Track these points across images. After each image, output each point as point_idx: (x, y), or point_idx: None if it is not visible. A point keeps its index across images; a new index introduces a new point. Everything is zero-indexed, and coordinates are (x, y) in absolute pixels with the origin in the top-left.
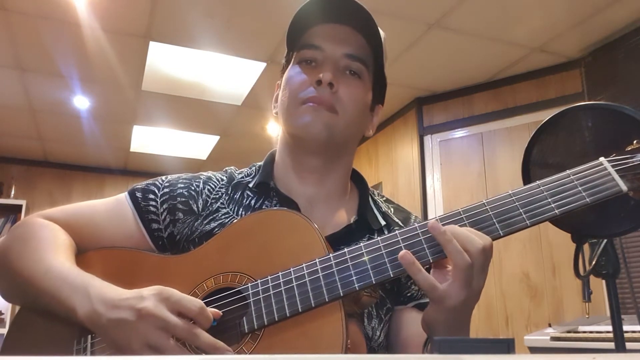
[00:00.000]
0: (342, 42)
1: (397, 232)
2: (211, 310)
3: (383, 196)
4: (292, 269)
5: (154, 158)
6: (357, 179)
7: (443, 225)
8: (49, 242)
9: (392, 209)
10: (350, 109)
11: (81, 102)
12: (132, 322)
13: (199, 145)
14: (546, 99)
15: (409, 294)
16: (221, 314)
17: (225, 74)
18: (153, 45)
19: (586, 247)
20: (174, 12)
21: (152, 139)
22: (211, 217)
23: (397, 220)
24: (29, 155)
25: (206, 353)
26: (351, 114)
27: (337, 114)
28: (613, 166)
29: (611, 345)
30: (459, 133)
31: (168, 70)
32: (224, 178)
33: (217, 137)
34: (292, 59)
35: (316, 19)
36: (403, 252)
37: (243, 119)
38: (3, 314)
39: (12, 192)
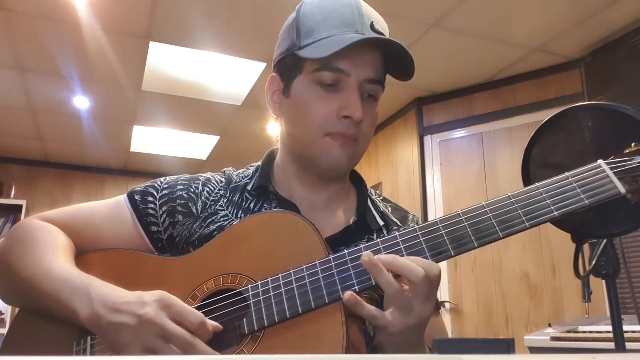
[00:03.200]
0: (366, 66)
1: (396, 234)
2: (211, 324)
3: (380, 195)
4: (292, 271)
5: (154, 158)
6: (355, 179)
7: (443, 226)
8: (48, 243)
9: (389, 208)
10: (369, 135)
11: (81, 102)
12: (132, 326)
13: (199, 145)
14: (546, 99)
15: None
16: (221, 327)
17: (225, 74)
18: (153, 45)
19: (586, 247)
20: (174, 12)
21: (152, 139)
22: (210, 219)
23: (395, 220)
24: (29, 155)
25: None
26: (369, 138)
27: (359, 142)
28: (611, 168)
29: (611, 345)
30: (459, 133)
31: (168, 70)
32: (223, 180)
33: (217, 137)
34: (305, 70)
35: (349, 42)
36: (348, 293)
37: (243, 119)
38: (3, 314)
39: (12, 192)
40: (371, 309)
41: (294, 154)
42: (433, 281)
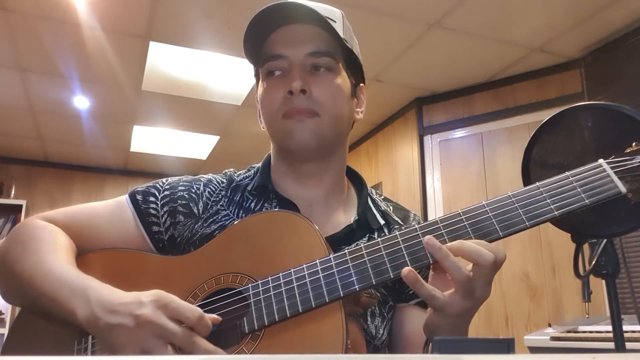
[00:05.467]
0: (302, 42)
1: (397, 233)
2: (210, 317)
3: (381, 195)
4: (292, 270)
5: (154, 158)
6: (354, 177)
7: (443, 226)
8: (48, 243)
9: (391, 207)
10: (330, 106)
11: (81, 102)
12: (130, 328)
13: (199, 145)
14: (546, 99)
15: (411, 292)
16: (220, 319)
17: (225, 74)
18: (153, 45)
19: (586, 247)
20: (174, 12)
21: (152, 139)
22: (211, 219)
23: (396, 219)
24: (29, 155)
25: None
26: (333, 110)
27: (320, 116)
28: (612, 168)
29: (611, 345)
30: (459, 133)
31: (168, 70)
32: (224, 180)
33: (217, 137)
34: (260, 74)
35: (267, 28)
36: (407, 269)
37: (243, 119)
38: (3, 314)
39: (12, 192)
40: (430, 288)
41: (277, 150)
42: (498, 266)
